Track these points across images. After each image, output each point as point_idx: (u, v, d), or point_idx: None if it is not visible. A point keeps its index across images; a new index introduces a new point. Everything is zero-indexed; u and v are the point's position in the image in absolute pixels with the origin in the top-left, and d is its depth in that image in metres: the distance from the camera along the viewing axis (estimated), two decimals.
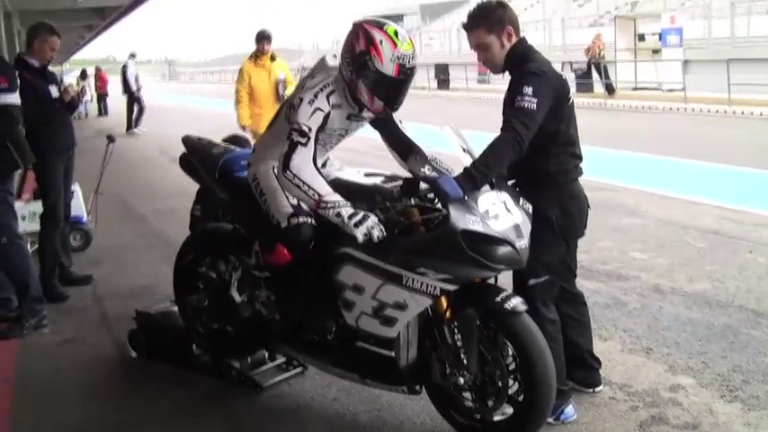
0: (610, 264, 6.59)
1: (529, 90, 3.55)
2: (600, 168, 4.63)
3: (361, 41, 3.62)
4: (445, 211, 3.43)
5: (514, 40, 3.81)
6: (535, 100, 3.54)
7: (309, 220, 3.73)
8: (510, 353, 3.56)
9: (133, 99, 21.80)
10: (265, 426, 4.10)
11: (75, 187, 7.29)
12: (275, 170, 3.83)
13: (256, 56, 9.29)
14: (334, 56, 3.91)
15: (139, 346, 4.98)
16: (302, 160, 3.56)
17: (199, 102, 37.41)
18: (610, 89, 25.34)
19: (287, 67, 9.65)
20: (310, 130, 3.60)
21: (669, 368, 4.49)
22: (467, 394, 3.68)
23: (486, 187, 3.57)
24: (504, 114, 3.76)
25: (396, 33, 3.61)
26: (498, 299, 3.49)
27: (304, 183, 3.53)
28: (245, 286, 4.27)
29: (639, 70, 26.62)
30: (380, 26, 3.63)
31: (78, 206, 7.57)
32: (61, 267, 6.49)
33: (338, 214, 3.47)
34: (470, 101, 27.60)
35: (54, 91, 6.15)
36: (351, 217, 3.44)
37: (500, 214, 3.51)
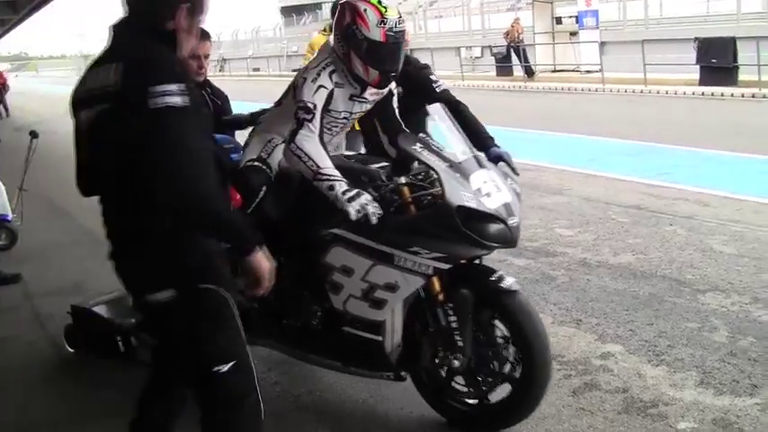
0: (537, 241, 6.76)
1: None
2: (523, 149, 4.74)
3: (347, 15, 3.64)
4: (438, 189, 3.39)
5: None
6: None
7: (265, 167, 3.79)
8: (499, 333, 3.53)
9: None
10: None
11: None
12: (273, 141, 3.93)
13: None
14: None
15: (76, 341, 4.93)
16: (307, 134, 3.54)
17: None
18: (529, 72, 25.66)
19: None
20: (315, 106, 3.60)
21: (599, 337, 4.66)
22: (458, 378, 3.64)
23: (476, 165, 3.55)
24: None
25: (379, 1, 3.63)
26: (493, 278, 3.47)
27: (305, 154, 3.50)
28: None
29: (558, 53, 27.06)
30: None
31: (3, 204, 7.42)
32: None
33: (331, 187, 3.41)
34: None
35: None
36: (344, 192, 3.39)
37: (491, 192, 3.45)
